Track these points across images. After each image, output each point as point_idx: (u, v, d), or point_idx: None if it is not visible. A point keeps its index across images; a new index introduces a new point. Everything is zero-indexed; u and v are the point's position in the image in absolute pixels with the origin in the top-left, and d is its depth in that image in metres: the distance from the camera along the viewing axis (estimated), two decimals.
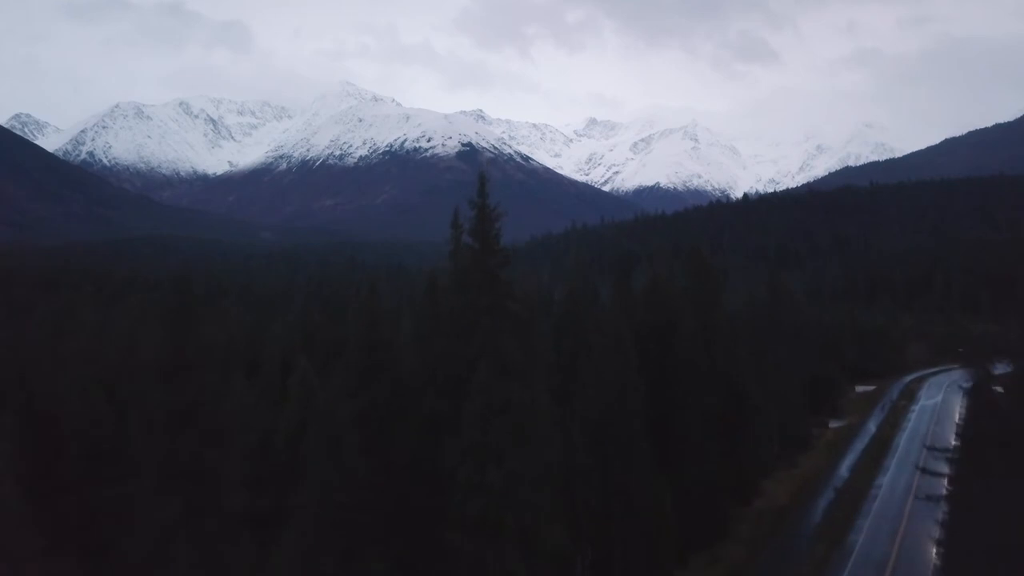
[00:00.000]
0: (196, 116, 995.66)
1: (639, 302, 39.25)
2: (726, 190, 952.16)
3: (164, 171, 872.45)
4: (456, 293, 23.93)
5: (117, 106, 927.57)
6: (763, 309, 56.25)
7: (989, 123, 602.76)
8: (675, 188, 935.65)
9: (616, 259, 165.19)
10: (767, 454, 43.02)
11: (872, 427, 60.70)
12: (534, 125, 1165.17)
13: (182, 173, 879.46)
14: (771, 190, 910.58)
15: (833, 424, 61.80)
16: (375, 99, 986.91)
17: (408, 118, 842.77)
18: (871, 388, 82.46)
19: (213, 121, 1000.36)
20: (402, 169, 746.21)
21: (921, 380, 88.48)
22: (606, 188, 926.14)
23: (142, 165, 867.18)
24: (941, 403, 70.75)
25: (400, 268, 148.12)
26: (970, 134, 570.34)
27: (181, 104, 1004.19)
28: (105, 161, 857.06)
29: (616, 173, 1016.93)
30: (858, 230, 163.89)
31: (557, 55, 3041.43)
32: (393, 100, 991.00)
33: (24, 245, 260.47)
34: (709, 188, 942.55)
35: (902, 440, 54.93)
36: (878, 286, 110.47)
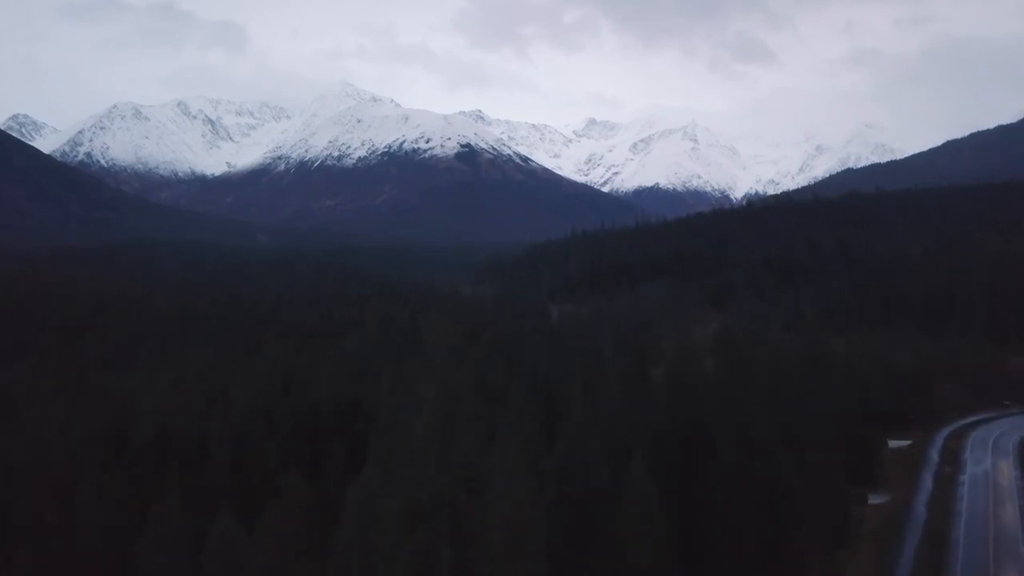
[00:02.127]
0: (194, 117, 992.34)
1: (660, 394, 34.64)
2: (726, 191, 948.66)
3: (162, 172, 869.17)
4: None
5: (115, 107, 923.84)
6: (798, 371, 50.21)
7: (988, 123, 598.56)
8: (674, 189, 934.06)
9: (617, 266, 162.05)
10: (806, 553, 35.68)
11: (921, 509, 52.64)
12: (533, 125, 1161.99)
13: (180, 174, 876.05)
14: (771, 191, 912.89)
15: (873, 500, 53.55)
16: (374, 100, 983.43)
17: (407, 119, 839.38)
18: (906, 444, 72.63)
19: (211, 122, 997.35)
20: (401, 170, 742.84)
21: (961, 435, 77.88)
22: (605, 188, 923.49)
23: (140, 166, 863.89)
24: (992, 471, 62.43)
25: (395, 286, 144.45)
26: (972, 135, 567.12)
27: (179, 105, 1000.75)
28: (103, 162, 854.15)
29: (616, 174, 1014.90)
30: (865, 239, 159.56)
31: (555, 55, 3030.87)
32: (392, 101, 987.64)
33: (21, 249, 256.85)
34: (709, 189, 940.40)
35: (961, 534, 47.23)
36: (893, 306, 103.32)
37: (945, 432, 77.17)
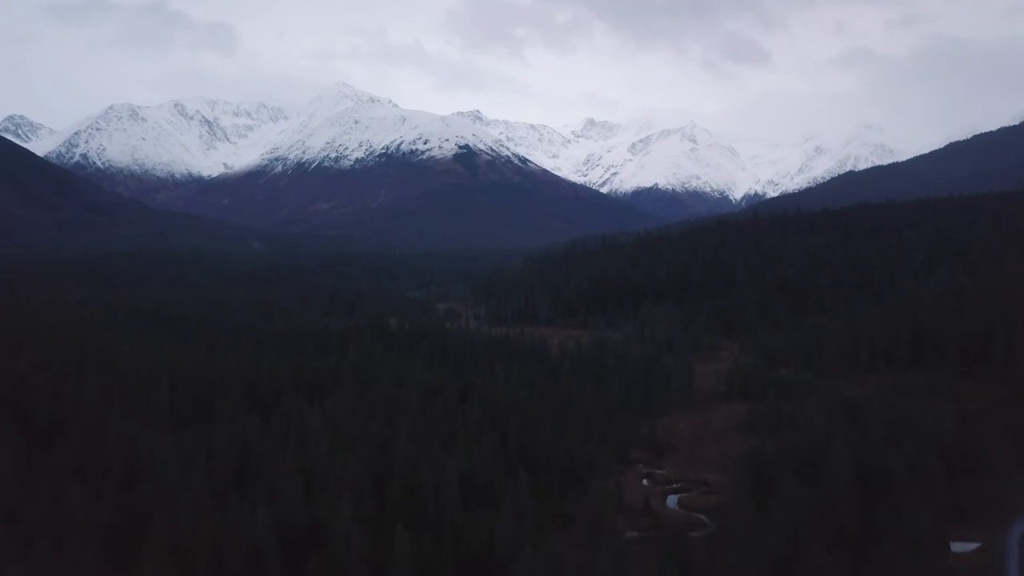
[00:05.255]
0: (191, 118, 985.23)
1: None
2: (725, 191, 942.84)
3: (159, 173, 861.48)
4: None
5: (111, 107, 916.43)
6: (847, 446, 40.71)
7: (985, 124, 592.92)
8: (673, 189, 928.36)
9: (619, 287, 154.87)
10: None
11: None
12: (532, 126, 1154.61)
13: (177, 175, 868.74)
14: (770, 192, 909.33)
15: None
16: (372, 100, 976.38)
17: (405, 120, 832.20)
18: (972, 548, 55.52)
19: (208, 123, 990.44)
20: (399, 171, 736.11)
21: None
22: (604, 189, 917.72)
23: (136, 167, 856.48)
24: None
25: (382, 317, 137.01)
26: (975, 137, 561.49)
27: (176, 106, 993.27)
28: (99, 163, 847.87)
29: (614, 174, 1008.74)
30: (883, 260, 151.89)
31: (551, 56, 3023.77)
32: (390, 102, 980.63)
33: (7, 261, 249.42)
34: (708, 189, 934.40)
35: None
36: (924, 345, 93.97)
37: (1017, 531, 59.87)
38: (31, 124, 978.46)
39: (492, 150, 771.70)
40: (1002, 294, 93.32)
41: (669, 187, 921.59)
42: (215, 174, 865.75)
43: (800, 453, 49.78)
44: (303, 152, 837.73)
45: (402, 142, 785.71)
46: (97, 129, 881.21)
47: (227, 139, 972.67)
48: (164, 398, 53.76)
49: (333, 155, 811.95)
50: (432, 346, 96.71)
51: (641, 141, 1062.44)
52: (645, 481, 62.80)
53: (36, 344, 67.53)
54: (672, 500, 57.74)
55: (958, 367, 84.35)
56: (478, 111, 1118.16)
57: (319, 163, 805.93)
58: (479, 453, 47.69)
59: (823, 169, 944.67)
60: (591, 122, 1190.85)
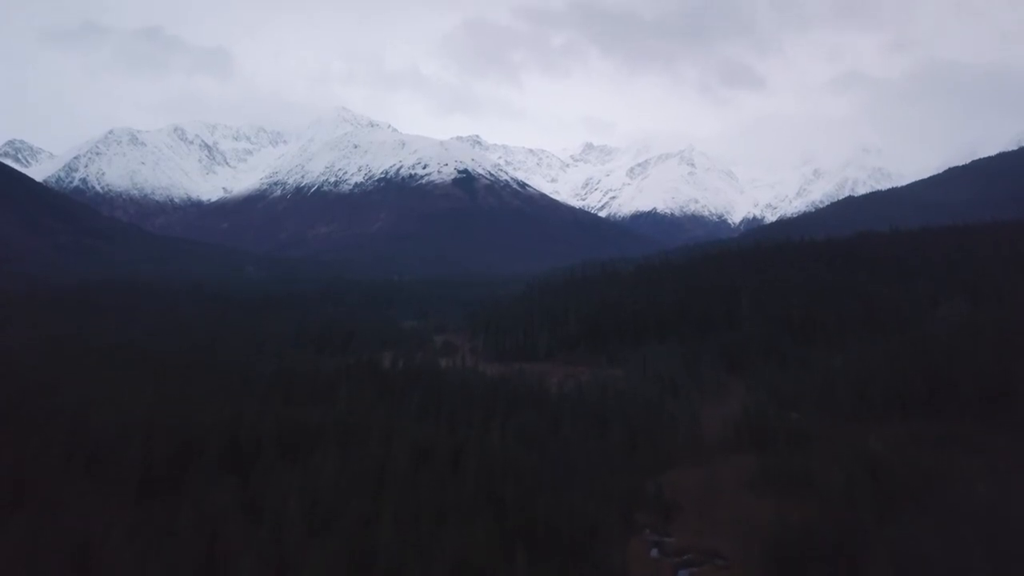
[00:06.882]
0: (191, 142, 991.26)
1: None
2: (723, 215, 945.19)
3: (158, 198, 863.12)
4: None
5: (111, 132, 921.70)
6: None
7: (983, 146, 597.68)
8: (672, 213, 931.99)
9: (619, 322, 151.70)
10: None
11: None
12: (531, 150, 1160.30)
13: (176, 200, 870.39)
14: (769, 215, 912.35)
15: None
16: (371, 125, 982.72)
17: (404, 144, 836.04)
18: None
19: (208, 147, 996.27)
20: (398, 196, 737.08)
21: None
22: (603, 213, 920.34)
23: (135, 192, 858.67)
24: None
25: (376, 355, 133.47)
26: (975, 163, 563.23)
27: (176, 130, 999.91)
28: (98, 188, 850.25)
29: (613, 198, 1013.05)
30: (885, 288, 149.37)
31: (547, 80, 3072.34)
32: (389, 126, 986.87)
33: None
34: (706, 213, 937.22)
35: None
36: (939, 387, 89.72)
37: None
38: (31, 148, 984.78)
39: (491, 174, 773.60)
40: (1014, 328, 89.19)
41: (668, 211, 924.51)
42: (214, 198, 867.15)
43: (824, 529, 46.12)
44: (302, 176, 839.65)
45: (401, 166, 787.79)
46: (97, 153, 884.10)
47: (226, 163, 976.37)
48: (135, 461, 49.90)
49: (332, 179, 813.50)
50: (426, 390, 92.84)
51: (639, 165, 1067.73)
52: (654, 551, 58.63)
53: (5, 394, 63.74)
54: None
55: (978, 413, 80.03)
56: (477, 136, 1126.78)
57: (318, 187, 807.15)
58: (472, 532, 43.93)
59: (821, 193, 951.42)
60: (589, 146, 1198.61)
